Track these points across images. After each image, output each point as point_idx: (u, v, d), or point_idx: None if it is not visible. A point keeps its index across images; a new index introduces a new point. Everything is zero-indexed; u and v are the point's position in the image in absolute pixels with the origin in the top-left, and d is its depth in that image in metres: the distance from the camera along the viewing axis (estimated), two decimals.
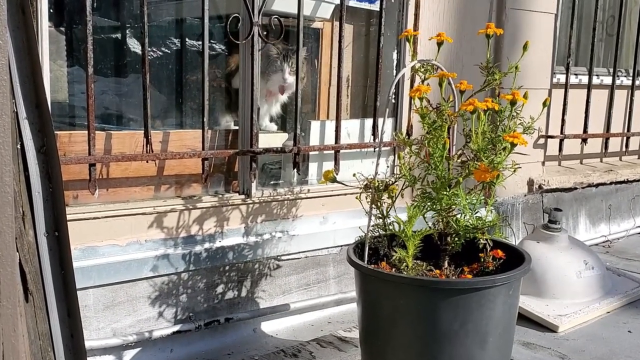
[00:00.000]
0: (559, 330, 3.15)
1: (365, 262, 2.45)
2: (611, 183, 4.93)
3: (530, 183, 4.37)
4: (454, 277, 2.46)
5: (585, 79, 4.83)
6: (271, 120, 3.46)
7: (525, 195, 4.37)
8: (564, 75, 4.59)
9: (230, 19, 2.97)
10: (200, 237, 3.02)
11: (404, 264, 2.41)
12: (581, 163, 5.07)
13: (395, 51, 3.68)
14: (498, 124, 2.54)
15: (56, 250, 1.97)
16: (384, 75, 3.51)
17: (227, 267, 3.06)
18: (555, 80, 4.49)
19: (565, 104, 4.58)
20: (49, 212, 1.97)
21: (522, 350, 2.96)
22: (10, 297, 1.75)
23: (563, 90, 4.58)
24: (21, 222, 1.88)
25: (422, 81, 2.63)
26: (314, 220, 3.39)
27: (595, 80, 4.86)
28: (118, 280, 2.76)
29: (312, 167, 3.47)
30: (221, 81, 3.27)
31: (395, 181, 2.58)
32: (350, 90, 3.75)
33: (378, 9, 3.45)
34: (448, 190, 2.44)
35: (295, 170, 3.27)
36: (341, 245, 3.43)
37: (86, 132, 2.63)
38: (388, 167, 3.70)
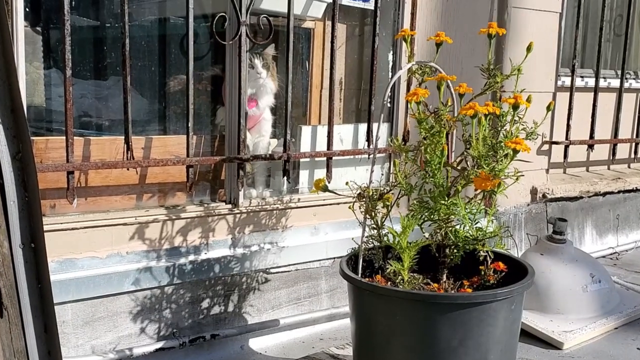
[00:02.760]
0: (564, 347, 3.17)
1: (359, 276, 2.47)
2: (619, 192, 4.95)
3: (534, 192, 4.40)
4: (452, 291, 2.48)
5: (591, 82, 4.86)
6: None
7: (528, 205, 4.39)
8: (569, 78, 4.62)
9: (217, 18, 2.99)
10: (185, 248, 3.03)
11: (400, 277, 2.42)
12: (587, 170, 5.10)
13: (391, 52, 3.71)
14: (499, 129, 2.56)
15: (32, 263, 1.98)
16: (378, 78, 3.53)
17: (213, 281, 3.07)
18: (560, 83, 4.51)
19: (570, 108, 4.61)
20: (24, 222, 1.98)
21: None
22: None
23: (568, 93, 4.61)
24: None
25: (420, 84, 2.65)
26: (304, 231, 3.40)
27: (602, 83, 4.90)
28: (98, 295, 2.76)
29: (303, 174, 3.49)
30: (207, 84, 3.28)
31: (391, 190, 2.60)
32: (343, 94, 3.76)
33: (372, 8, 3.48)
34: (446, 199, 2.46)
35: (285, 178, 3.28)
36: (334, 258, 3.44)
37: (64, 137, 2.64)
38: (383, 174, 3.71)
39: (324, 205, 3.44)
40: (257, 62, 3.17)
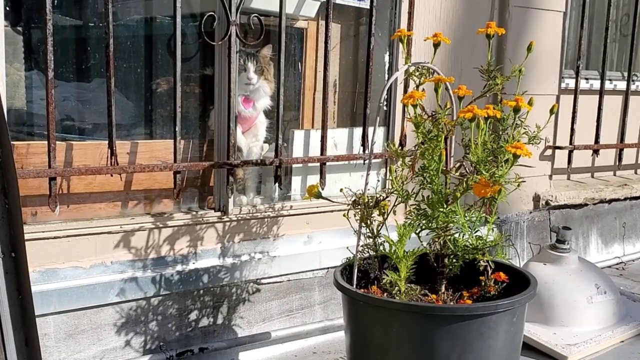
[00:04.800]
0: None
1: (354, 286, 2.47)
2: (625, 199, 4.97)
3: (536, 199, 4.41)
4: (451, 303, 2.49)
5: (596, 84, 4.88)
6: None
7: (530, 212, 4.40)
8: (574, 80, 4.63)
9: (205, 17, 3.00)
10: (172, 258, 3.03)
11: (397, 287, 2.43)
12: (592, 177, 5.12)
13: (387, 53, 3.72)
14: (500, 133, 2.57)
15: (13, 273, 1.98)
16: (374, 80, 3.55)
17: (201, 292, 3.08)
18: (563, 85, 4.53)
19: (574, 112, 4.62)
20: (4, 230, 1.98)
21: None
22: None
23: (572, 96, 4.62)
24: None
25: (417, 86, 2.66)
26: (297, 240, 3.41)
27: (608, 85, 4.91)
28: (81, 306, 2.77)
29: (296, 181, 3.49)
30: (195, 86, 3.29)
31: (387, 197, 2.61)
32: (337, 97, 3.77)
33: (368, 7, 3.49)
34: (445, 206, 2.47)
35: (276, 184, 3.29)
36: (327, 268, 3.45)
37: (46, 142, 2.65)
38: (379, 181, 3.73)
39: (317, 212, 3.45)
40: (250, 66, 3.16)
